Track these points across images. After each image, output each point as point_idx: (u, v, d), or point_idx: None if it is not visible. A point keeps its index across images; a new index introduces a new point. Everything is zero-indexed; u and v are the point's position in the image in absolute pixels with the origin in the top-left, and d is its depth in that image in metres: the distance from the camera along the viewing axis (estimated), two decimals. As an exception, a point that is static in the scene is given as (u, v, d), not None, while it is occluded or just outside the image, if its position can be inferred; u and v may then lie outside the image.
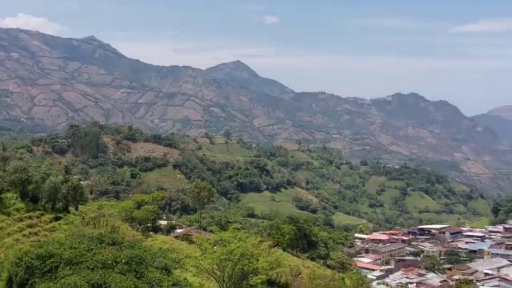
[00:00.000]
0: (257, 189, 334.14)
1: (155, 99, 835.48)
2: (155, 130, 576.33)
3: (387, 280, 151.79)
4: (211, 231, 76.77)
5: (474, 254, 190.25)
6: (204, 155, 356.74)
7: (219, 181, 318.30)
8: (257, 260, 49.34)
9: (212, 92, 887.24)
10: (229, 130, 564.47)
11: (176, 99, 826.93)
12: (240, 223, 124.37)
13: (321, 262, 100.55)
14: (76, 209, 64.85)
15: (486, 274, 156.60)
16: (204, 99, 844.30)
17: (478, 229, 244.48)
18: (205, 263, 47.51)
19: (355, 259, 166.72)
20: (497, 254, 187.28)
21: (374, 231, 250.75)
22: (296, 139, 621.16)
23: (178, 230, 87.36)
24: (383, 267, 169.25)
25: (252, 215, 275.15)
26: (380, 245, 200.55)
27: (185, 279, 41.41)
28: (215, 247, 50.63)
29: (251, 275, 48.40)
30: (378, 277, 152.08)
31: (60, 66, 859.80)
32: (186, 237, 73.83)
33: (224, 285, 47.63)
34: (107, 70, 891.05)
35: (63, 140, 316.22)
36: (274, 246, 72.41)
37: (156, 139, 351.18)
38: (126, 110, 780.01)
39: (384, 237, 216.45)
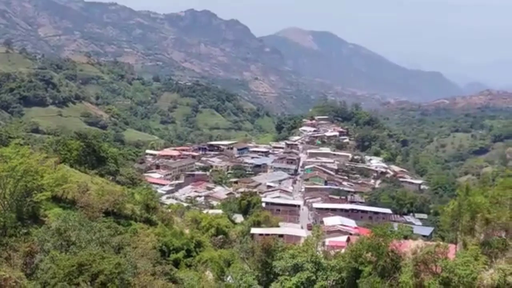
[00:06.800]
0: (42, 104, 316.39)
1: None
2: None
3: (176, 194, 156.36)
4: (-11, 147, 70.79)
5: (258, 168, 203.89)
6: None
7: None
8: (42, 176, 47.67)
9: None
10: (10, 39, 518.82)
11: None
12: (23, 139, 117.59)
13: (111, 178, 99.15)
14: None
15: (269, 186, 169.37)
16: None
17: (263, 145, 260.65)
18: (-18, 181, 43.99)
19: (145, 174, 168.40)
20: (279, 168, 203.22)
21: (166, 147, 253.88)
22: (86, 51, 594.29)
23: (-49, 146, 78.95)
24: (173, 182, 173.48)
25: (36, 131, 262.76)
26: (171, 160, 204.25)
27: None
28: (-6, 164, 47.03)
29: (36, 191, 46.70)
30: (168, 192, 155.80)
31: None
32: (-40, 154, 67.12)
33: (6, 202, 45.46)
34: None
35: None
36: (60, 163, 69.85)
37: None
38: None
39: (175, 153, 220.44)
